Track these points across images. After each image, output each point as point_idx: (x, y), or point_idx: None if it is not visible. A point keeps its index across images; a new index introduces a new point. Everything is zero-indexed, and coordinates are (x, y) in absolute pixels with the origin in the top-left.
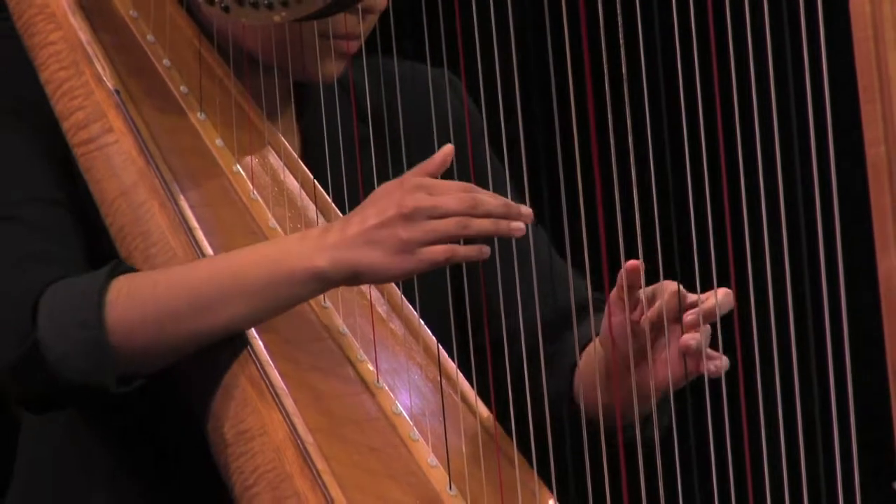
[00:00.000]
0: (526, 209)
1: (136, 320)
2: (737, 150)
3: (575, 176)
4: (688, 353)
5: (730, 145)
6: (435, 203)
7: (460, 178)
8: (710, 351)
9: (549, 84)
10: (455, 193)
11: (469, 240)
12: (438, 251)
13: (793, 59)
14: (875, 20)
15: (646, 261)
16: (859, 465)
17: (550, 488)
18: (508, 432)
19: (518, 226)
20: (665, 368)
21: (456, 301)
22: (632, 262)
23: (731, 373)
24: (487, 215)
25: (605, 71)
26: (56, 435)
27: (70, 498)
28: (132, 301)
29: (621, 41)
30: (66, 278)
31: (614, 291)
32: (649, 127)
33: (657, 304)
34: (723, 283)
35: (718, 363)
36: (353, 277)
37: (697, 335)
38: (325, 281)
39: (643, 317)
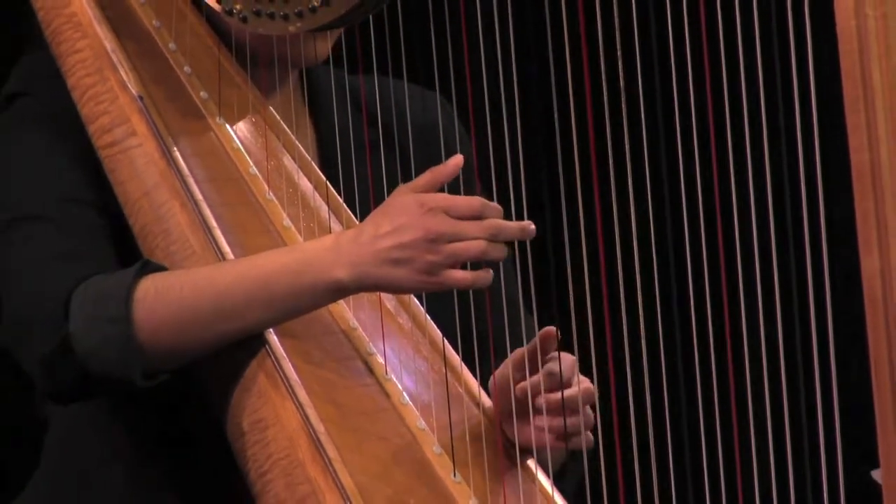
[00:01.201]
0: (532, 227)
1: (162, 320)
2: (728, 158)
3: (558, 186)
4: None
5: (721, 154)
6: (459, 229)
7: (451, 190)
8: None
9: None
10: (477, 220)
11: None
12: (463, 279)
13: (782, 70)
14: (860, 35)
15: (642, 266)
16: (843, 455)
17: (549, 476)
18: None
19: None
20: (535, 433)
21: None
22: (548, 328)
23: (722, 370)
24: (504, 240)
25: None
26: (80, 422)
27: (91, 482)
28: (159, 301)
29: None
30: (97, 275)
31: (524, 348)
32: (645, 136)
33: (528, 381)
34: (714, 284)
35: (578, 441)
36: (373, 289)
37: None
38: (344, 292)
39: (519, 384)
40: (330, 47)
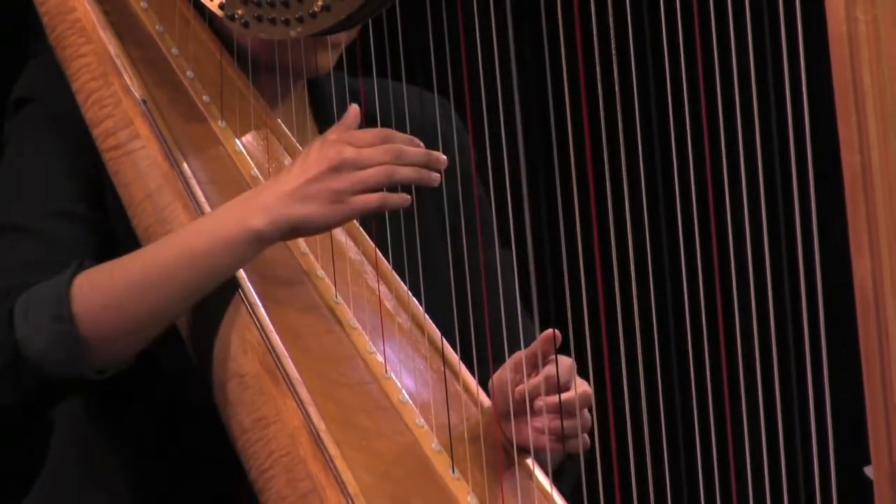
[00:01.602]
0: (443, 157)
1: (98, 306)
2: (722, 164)
3: (555, 192)
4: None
5: (715, 160)
6: (361, 154)
7: (449, 190)
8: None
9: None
10: (379, 144)
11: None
12: (371, 198)
13: (774, 76)
14: (851, 39)
15: (638, 273)
16: (835, 452)
17: (546, 473)
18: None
19: (436, 176)
20: (533, 434)
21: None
22: (548, 331)
23: (716, 369)
24: (410, 164)
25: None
26: (84, 423)
27: (95, 483)
28: (93, 290)
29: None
30: (39, 283)
31: (523, 351)
32: (640, 143)
33: (526, 383)
34: (709, 284)
35: (575, 443)
36: (291, 232)
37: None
38: (263, 240)
39: (517, 386)
40: (333, 60)
